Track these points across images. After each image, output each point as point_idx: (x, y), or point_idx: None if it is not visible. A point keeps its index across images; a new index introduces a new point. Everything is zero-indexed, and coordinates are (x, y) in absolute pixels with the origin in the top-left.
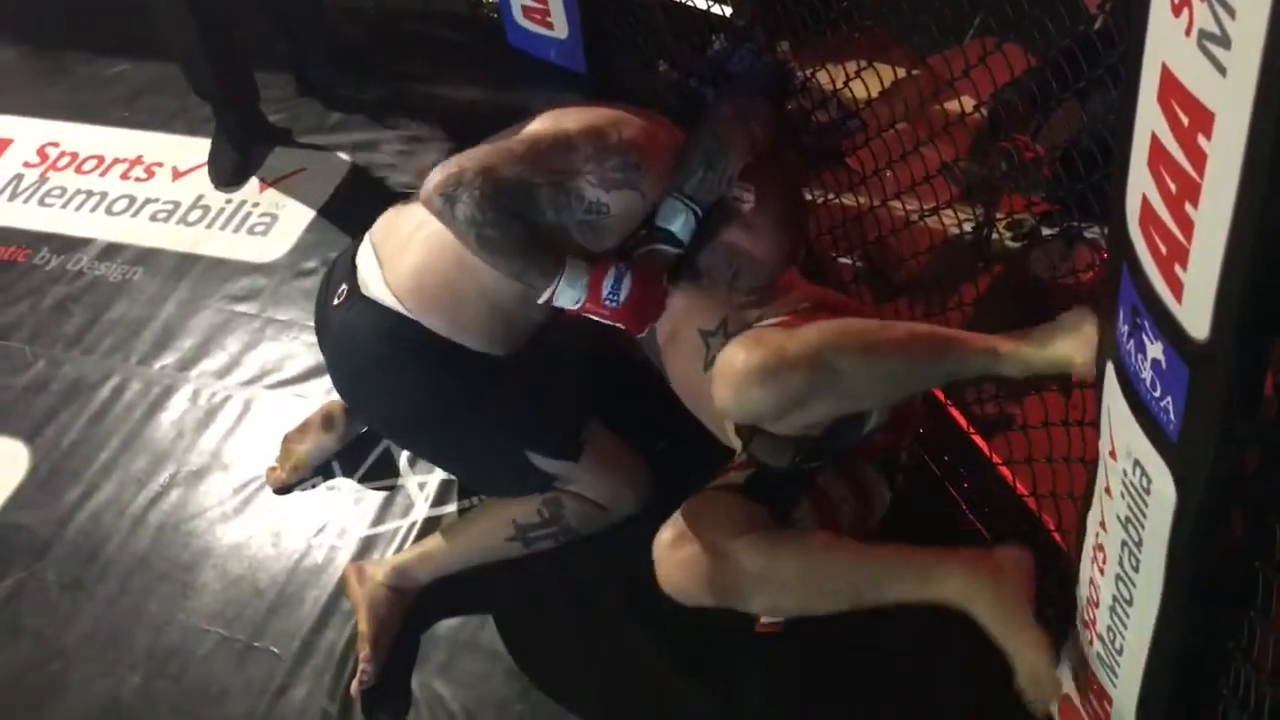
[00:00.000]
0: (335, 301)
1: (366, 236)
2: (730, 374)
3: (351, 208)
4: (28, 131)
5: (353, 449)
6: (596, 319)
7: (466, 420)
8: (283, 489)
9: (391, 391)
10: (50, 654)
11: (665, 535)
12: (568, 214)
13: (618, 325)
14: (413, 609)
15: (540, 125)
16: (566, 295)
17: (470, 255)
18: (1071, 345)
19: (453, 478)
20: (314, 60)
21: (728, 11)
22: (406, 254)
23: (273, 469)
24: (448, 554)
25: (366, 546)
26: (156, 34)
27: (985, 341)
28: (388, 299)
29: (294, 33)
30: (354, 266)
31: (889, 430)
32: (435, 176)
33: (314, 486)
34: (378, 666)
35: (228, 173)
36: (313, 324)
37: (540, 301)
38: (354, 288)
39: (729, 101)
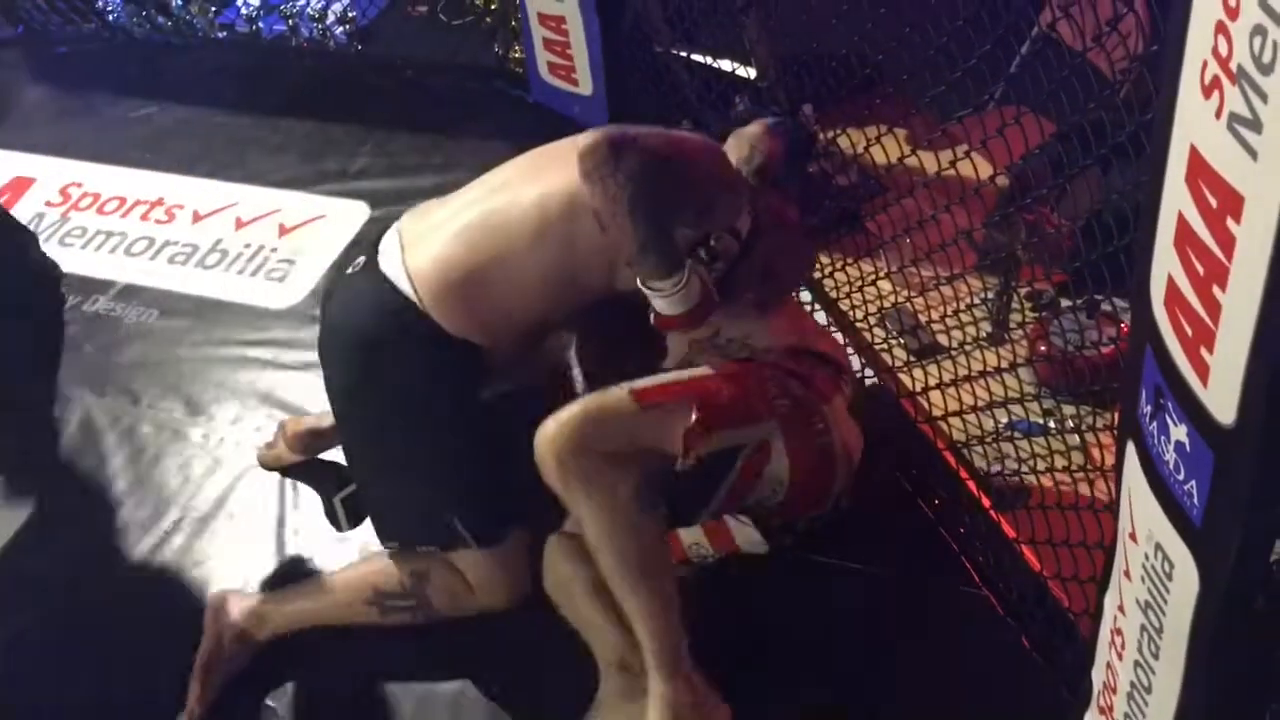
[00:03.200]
0: (350, 270)
1: (395, 225)
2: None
3: None
4: (51, 171)
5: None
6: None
7: (422, 439)
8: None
9: (366, 374)
10: (48, 701)
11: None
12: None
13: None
14: (257, 656)
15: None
16: (679, 301)
17: (515, 254)
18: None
19: None
20: None
21: (752, 73)
22: (431, 243)
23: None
24: (303, 608)
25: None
26: None
27: (662, 653)
28: (401, 281)
29: None
30: (377, 245)
31: (781, 508)
32: (597, 134)
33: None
34: (203, 707)
35: None
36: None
37: (656, 302)
38: (372, 261)
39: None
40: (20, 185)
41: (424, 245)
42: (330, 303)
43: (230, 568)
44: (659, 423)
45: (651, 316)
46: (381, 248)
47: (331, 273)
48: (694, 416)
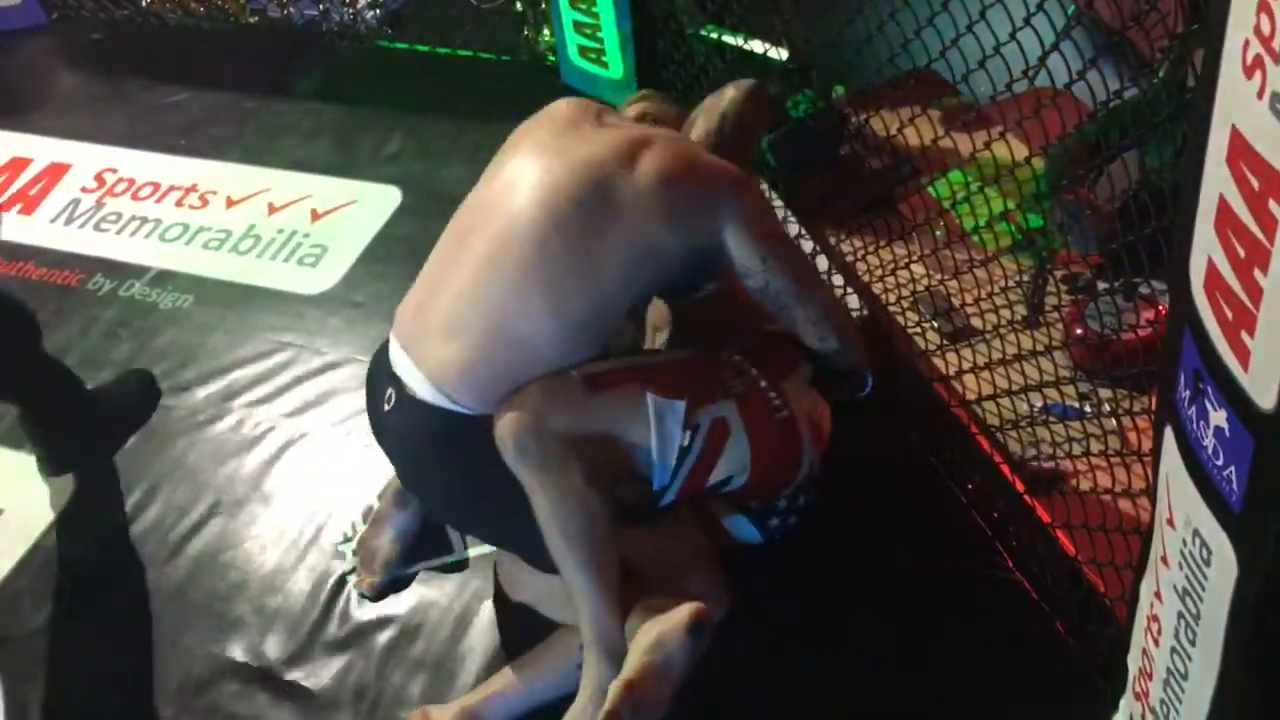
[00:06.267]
0: (386, 407)
1: (392, 337)
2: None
3: (402, 240)
4: (86, 157)
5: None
6: None
7: (518, 508)
8: (380, 590)
9: (447, 488)
10: (84, 681)
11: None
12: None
13: None
14: None
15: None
16: None
17: (523, 326)
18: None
19: None
20: None
21: (783, 55)
22: (439, 348)
23: (359, 577)
24: (515, 690)
25: (401, 584)
26: None
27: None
28: (431, 396)
29: None
30: (391, 369)
31: (752, 486)
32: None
33: (413, 577)
34: None
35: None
36: (359, 357)
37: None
38: (399, 390)
39: None
40: (56, 171)
41: (434, 352)
42: (385, 440)
43: (265, 552)
44: (610, 404)
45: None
46: (399, 372)
47: (370, 398)
48: (648, 393)
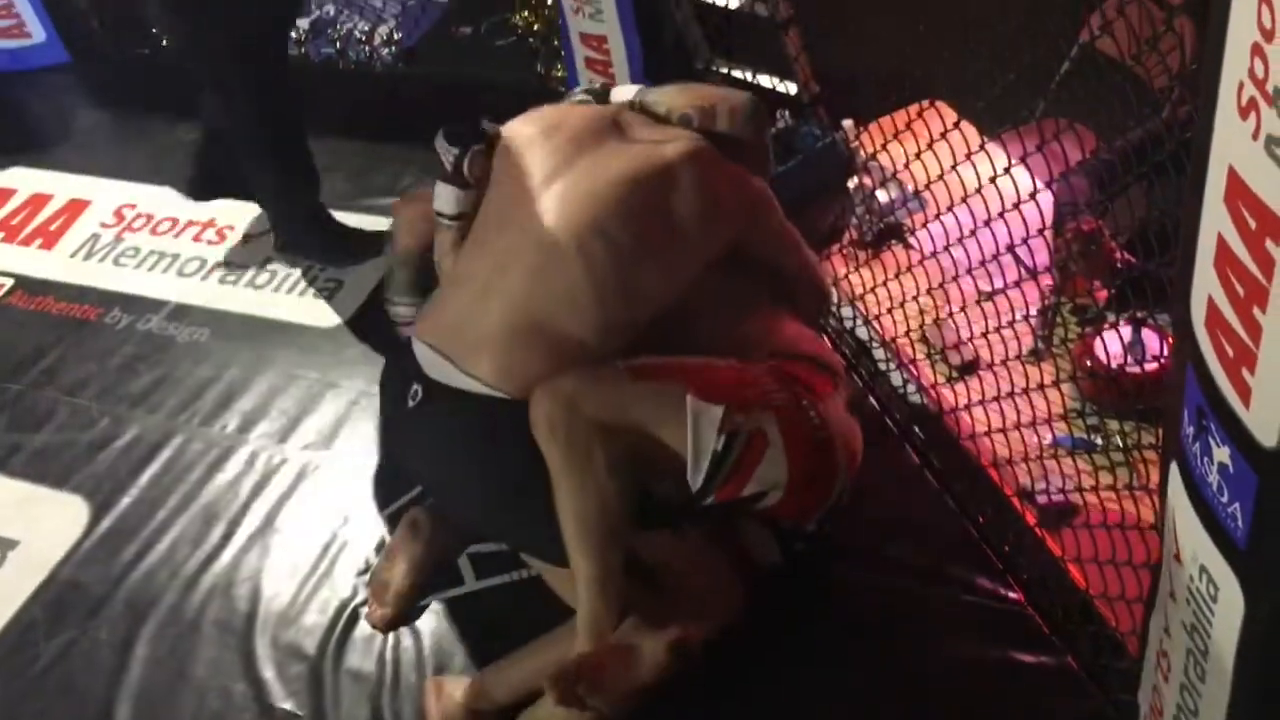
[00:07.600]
0: (411, 404)
1: (415, 341)
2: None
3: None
4: (106, 192)
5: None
6: None
7: (545, 497)
8: (392, 623)
9: (478, 478)
10: (98, 713)
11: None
12: None
13: None
14: None
15: None
16: None
17: (560, 312)
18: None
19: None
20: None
21: (793, 89)
22: (484, 347)
23: (371, 609)
24: (523, 674)
25: (413, 617)
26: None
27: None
28: (467, 384)
29: None
30: (418, 369)
31: (786, 504)
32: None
33: (425, 609)
34: None
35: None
36: (374, 390)
37: None
38: (430, 385)
39: None
40: (76, 207)
41: (477, 351)
42: (410, 440)
43: (278, 583)
44: (650, 399)
45: None
46: (430, 370)
47: (388, 401)
48: (689, 393)
